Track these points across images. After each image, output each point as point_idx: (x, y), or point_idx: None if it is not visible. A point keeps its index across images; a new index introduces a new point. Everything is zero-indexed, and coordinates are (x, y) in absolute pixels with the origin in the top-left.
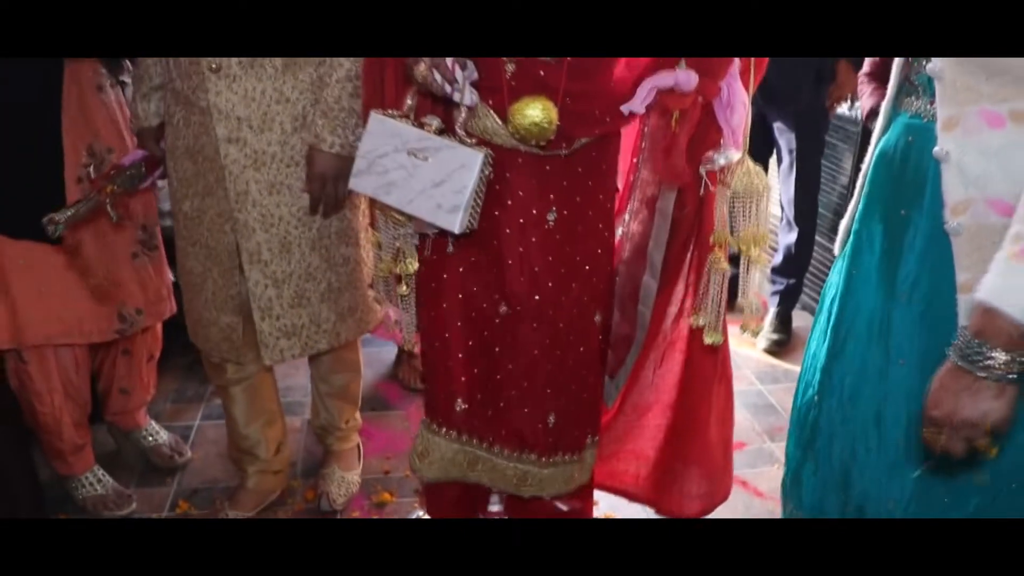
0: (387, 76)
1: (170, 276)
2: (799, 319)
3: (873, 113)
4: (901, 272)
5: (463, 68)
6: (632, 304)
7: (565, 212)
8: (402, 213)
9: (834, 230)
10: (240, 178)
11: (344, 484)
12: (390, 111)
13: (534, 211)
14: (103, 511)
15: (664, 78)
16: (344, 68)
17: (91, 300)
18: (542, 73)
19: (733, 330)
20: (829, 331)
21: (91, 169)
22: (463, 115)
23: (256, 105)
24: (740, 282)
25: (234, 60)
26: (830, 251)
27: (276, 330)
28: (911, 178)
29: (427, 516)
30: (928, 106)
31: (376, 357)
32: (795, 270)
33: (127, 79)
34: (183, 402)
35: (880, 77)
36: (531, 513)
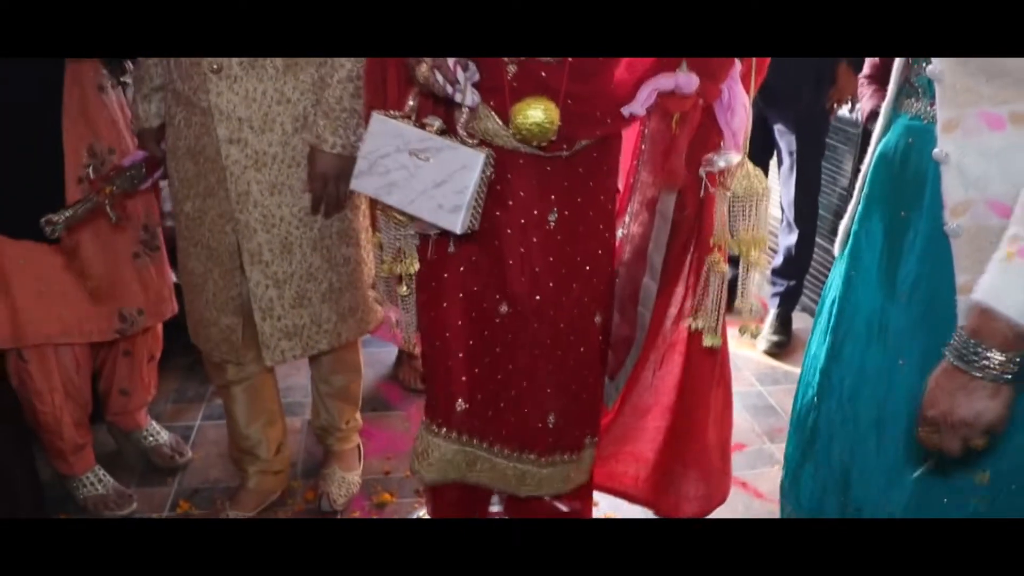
0: (389, 77)
1: (172, 277)
2: (799, 321)
3: (873, 115)
4: (901, 273)
5: (465, 69)
6: (632, 306)
7: (566, 213)
8: (403, 214)
9: (834, 232)
10: (241, 179)
11: (344, 484)
12: (392, 112)
13: (535, 212)
14: (104, 511)
15: (665, 80)
16: (345, 69)
17: (91, 300)
18: (543, 74)
19: (733, 331)
20: (829, 332)
21: (90, 170)
22: (464, 116)
23: (257, 106)
24: (739, 284)
25: (235, 61)
26: (830, 253)
27: (277, 331)
28: (911, 180)
29: (427, 516)
30: (928, 108)
31: (377, 358)
32: (795, 272)
33: (128, 80)
34: (184, 402)
35: (880, 79)
36: (531, 514)
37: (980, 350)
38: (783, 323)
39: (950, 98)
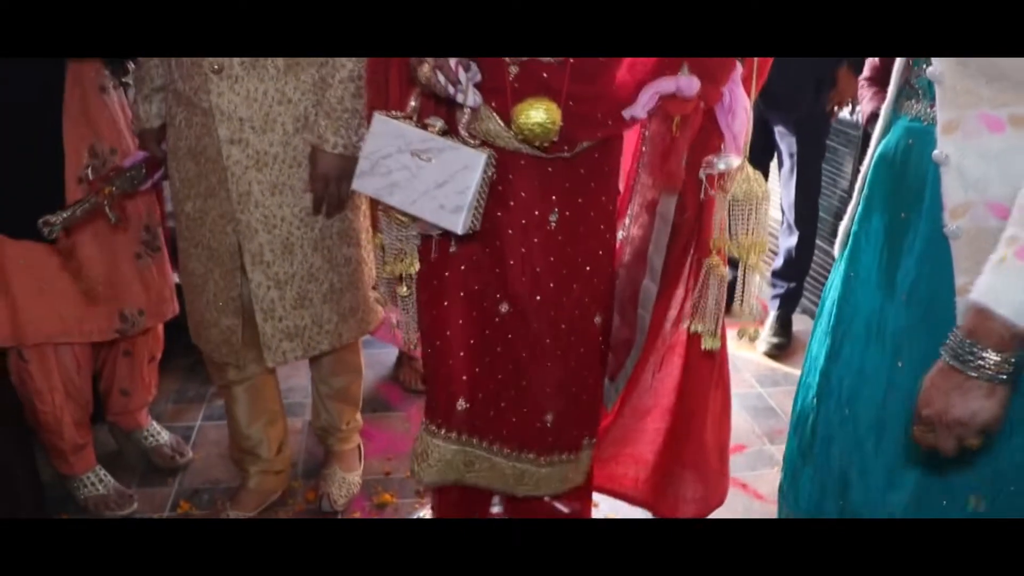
0: (391, 77)
1: (173, 277)
2: (799, 323)
3: (873, 117)
4: (900, 274)
5: (467, 70)
6: (632, 308)
7: (567, 213)
8: (405, 214)
9: (834, 234)
10: (242, 179)
11: (345, 485)
12: (394, 112)
13: (536, 212)
14: (104, 511)
15: (666, 83)
16: (347, 69)
17: (88, 301)
18: (545, 75)
19: (732, 333)
20: (828, 333)
21: (89, 170)
22: (466, 117)
23: (258, 106)
24: (738, 288)
25: (236, 61)
26: (830, 255)
27: (279, 332)
28: (911, 181)
29: (430, 516)
30: (928, 109)
31: (377, 359)
32: (795, 274)
33: (130, 81)
34: (184, 403)
35: (880, 81)
36: (531, 515)
37: (976, 350)
38: (783, 325)
39: (950, 100)
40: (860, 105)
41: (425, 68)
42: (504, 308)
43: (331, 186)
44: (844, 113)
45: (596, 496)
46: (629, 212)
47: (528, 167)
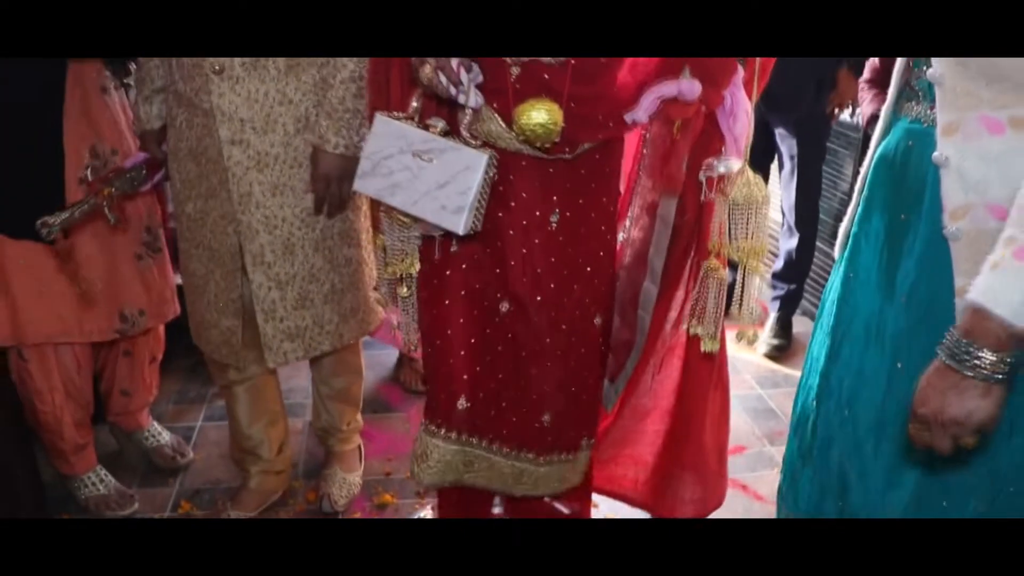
0: (392, 78)
1: (175, 278)
2: (799, 324)
3: (874, 119)
4: (900, 276)
5: (468, 71)
6: (632, 309)
7: (568, 214)
8: (407, 215)
9: (835, 236)
10: (243, 180)
11: (346, 485)
12: (395, 113)
13: (537, 213)
14: (105, 511)
15: (668, 87)
16: (348, 69)
17: (85, 302)
18: (546, 76)
19: (732, 335)
20: (828, 334)
21: (88, 171)
22: (468, 117)
23: (259, 107)
24: (737, 291)
25: (237, 62)
26: (831, 257)
27: (280, 332)
28: (911, 182)
29: (432, 516)
30: (928, 111)
31: (377, 360)
32: (796, 275)
33: (132, 82)
34: (185, 403)
35: (880, 84)
36: (531, 515)
37: (972, 350)
38: (783, 327)
39: (950, 102)
40: (860, 107)
41: (427, 69)
42: (505, 307)
43: (332, 186)
44: (844, 115)
45: (596, 497)
46: (629, 214)
47: (529, 168)
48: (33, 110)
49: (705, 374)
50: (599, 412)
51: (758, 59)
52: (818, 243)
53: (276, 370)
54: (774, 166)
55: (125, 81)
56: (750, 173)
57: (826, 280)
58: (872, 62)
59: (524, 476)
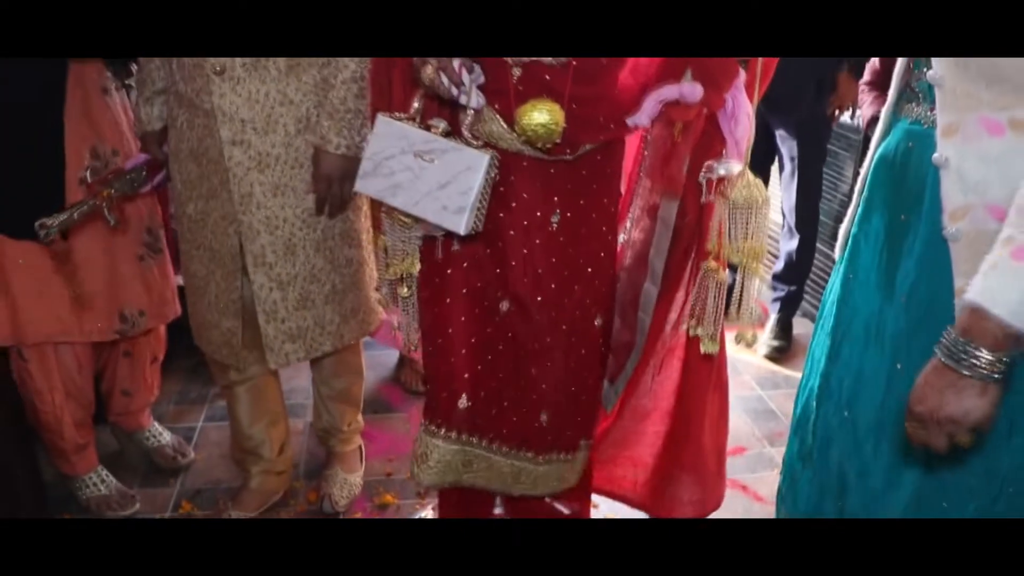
0: (394, 79)
1: (176, 279)
2: (800, 326)
3: (874, 121)
4: (899, 276)
5: (470, 71)
6: (633, 311)
7: (569, 215)
8: (408, 215)
9: (835, 237)
10: (244, 180)
11: (347, 486)
12: (397, 114)
13: (538, 213)
14: (106, 511)
15: (669, 91)
16: (349, 69)
17: (81, 304)
18: (548, 77)
19: (733, 336)
20: (828, 335)
21: (88, 173)
22: (469, 118)
23: (260, 107)
24: (736, 293)
25: (238, 62)
26: (831, 258)
27: (281, 333)
28: (911, 183)
29: (429, 517)
30: (928, 112)
31: (378, 360)
32: (796, 277)
33: (133, 83)
34: (186, 404)
35: (880, 86)
36: (530, 515)
37: (970, 349)
38: (783, 328)
39: (950, 103)
40: (860, 109)
41: (429, 70)
42: (505, 306)
43: (334, 187)
44: (845, 117)
45: (595, 497)
46: (630, 215)
47: (530, 168)
48: (34, 110)
49: (704, 376)
50: (598, 413)
51: (760, 62)
52: (818, 245)
53: (277, 371)
54: (774, 168)
55: (126, 82)
56: (750, 175)
57: (826, 282)
58: (872, 64)
59: (523, 475)
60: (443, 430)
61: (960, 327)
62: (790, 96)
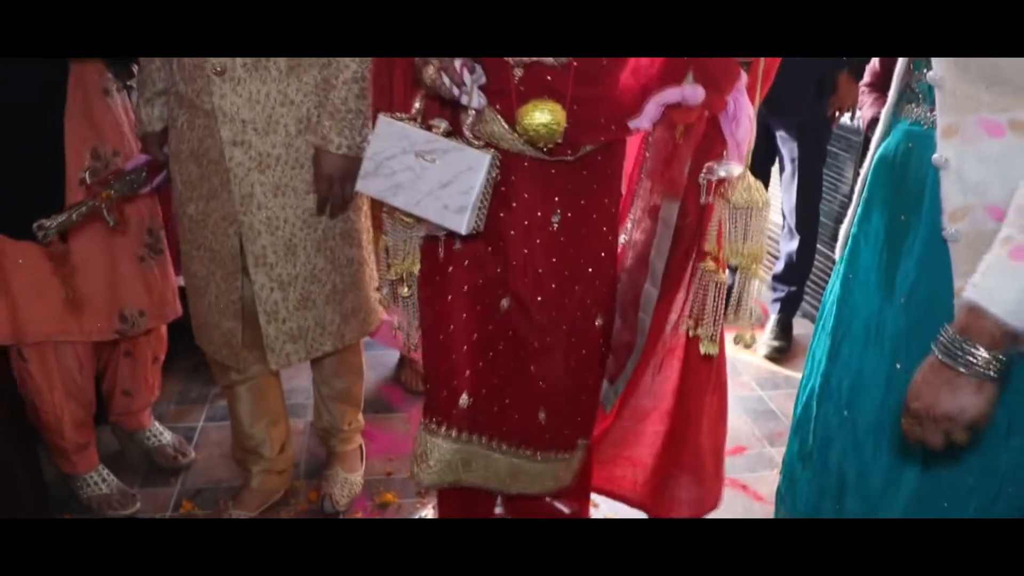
0: (395, 79)
1: (178, 280)
2: (799, 326)
3: (874, 122)
4: (899, 276)
5: (471, 72)
6: (633, 311)
7: (569, 215)
8: (409, 215)
9: (835, 238)
10: (245, 181)
11: (347, 485)
12: (398, 114)
13: (539, 213)
14: (107, 510)
15: (671, 94)
16: (351, 69)
17: (91, 299)
18: (549, 78)
19: (732, 336)
20: (828, 335)
21: (87, 174)
22: (470, 118)
23: (260, 108)
24: (735, 295)
25: (239, 63)
26: (831, 259)
27: (282, 334)
28: (910, 184)
29: (430, 517)
30: (928, 113)
31: (379, 360)
32: (796, 277)
33: (134, 84)
34: (187, 403)
35: (881, 87)
36: (530, 515)
37: (967, 347)
38: (784, 328)
39: (950, 104)
40: (861, 111)
41: (430, 70)
42: (506, 303)
43: (335, 187)
44: (845, 119)
45: (595, 496)
46: (631, 216)
47: (531, 168)
48: (34, 111)
49: (703, 376)
50: (597, 413)
51: (761, 64)
52: (818, 246)
53: (278, 370)
54: (775, 169)
55: (128, 83)
56: (751, 178)
57: (826, 282)
58: (872, 66)
59: (520, 474)
60: (443, 429)
61: (958, 325)
62: (791, 97)
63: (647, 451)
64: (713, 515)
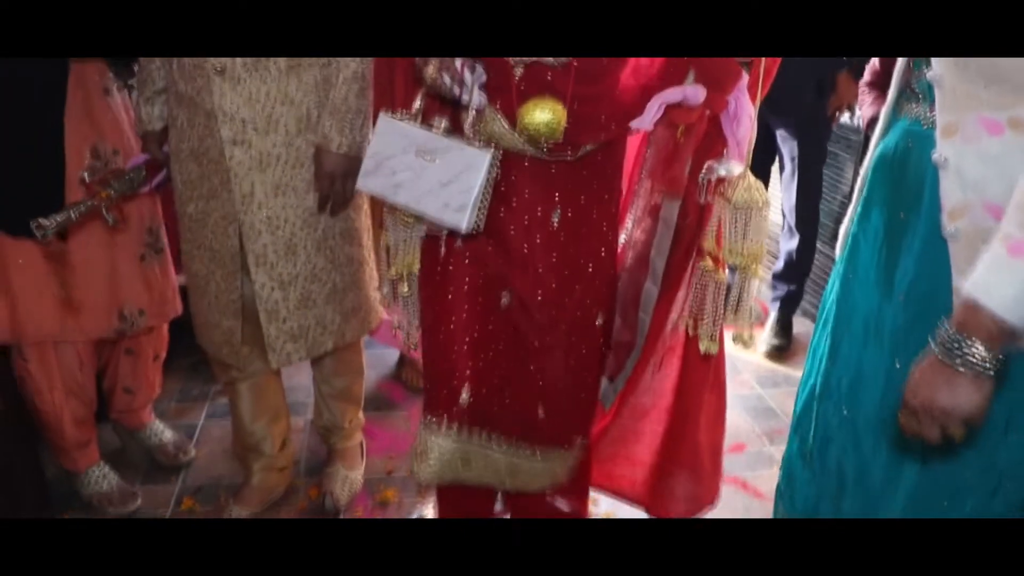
0: (396, 78)
1: (177, 278)
2: (799, 325)
3: (874, 122)
4: (898, 274)
5: (472, 71)
6: (633, 310)
7: (569, 213)
8: (410, 214)
9: (835, 237)
10: (245, 180)
11: (348, 483)
12: (399, 113)
13: (539, 212)
14: (108, 508)
15: (672, 94)
16: (351, 68)
17: (91, 298)
18: (550, 77)
19: (731, 336)
20: (828, 333)
21: (86, 173)
22: (471, 117)
23: (260, 107)
24: (734, 294)
25: (239, 62)
26: (831, 258)
27: (283, 333)
28: (910, 182)
29: (430, 515)
30: (928, 112)
31: (379, 358)
32: (796, 276)
33: (135, 83)
34: (188, 401)
35: (880, 86)
36: (530, 514)
37: (965, 343)
38: (783, 327)
39: (950, 103)
40: (860, 110)
41: (430, 69)
42: (505, 301)
43: (336, 185)
44: (845, 118)
45: (594, 494)
46: (631, 215)
47: (531, 167)
48: (35, 110)
49: (702, 375)
50: (596, 411)
51: (762, 64)
52: (818, 244)
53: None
54: (775, 168)
55: (129, 83)
56: (751, 177)
57: (826, 281)
58: (872, 65)
59: (519, 471)
60: (443, 426)
61: (956, 321)
62: (791, 97)
63: (646, 449)
64: (712, 513)
